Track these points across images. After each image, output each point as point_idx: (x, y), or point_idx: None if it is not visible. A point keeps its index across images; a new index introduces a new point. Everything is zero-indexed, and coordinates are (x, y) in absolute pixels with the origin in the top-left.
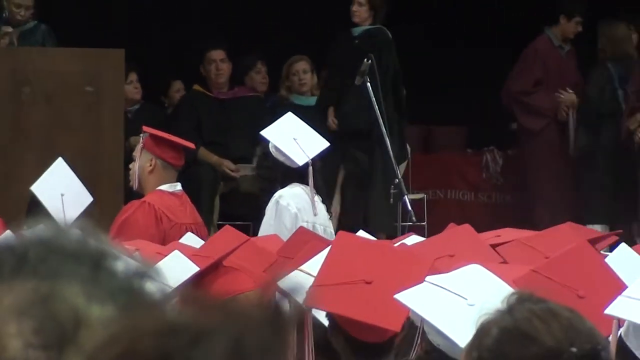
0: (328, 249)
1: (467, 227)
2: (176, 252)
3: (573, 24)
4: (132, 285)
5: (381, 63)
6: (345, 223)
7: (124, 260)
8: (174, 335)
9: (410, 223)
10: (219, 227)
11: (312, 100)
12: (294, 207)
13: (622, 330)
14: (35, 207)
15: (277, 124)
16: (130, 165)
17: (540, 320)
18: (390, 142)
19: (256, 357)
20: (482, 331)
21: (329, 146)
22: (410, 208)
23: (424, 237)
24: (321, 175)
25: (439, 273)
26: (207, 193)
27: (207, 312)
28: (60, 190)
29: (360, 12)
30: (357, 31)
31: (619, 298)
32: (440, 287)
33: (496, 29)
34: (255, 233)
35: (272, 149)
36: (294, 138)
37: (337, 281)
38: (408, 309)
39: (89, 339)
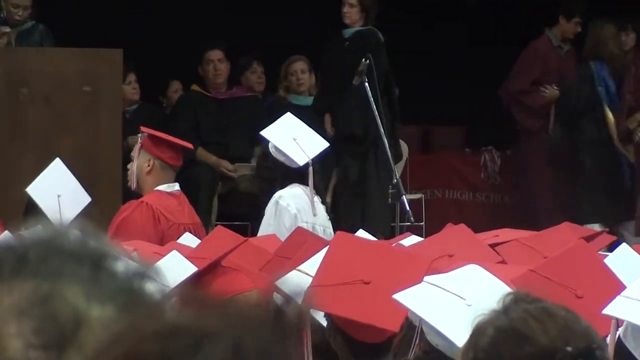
0: (326, 249)
1: (462, 227)
2: (174, 252)
3: (572, 25)
4: (133, 286)
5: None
6: (340, 229)
7: (124, 260)
8: (177, 338)
9: (409, 223)
10: None
11: (310, 100)
12: (294, 207)
13: (620, 331)
14: (32, 208)
15: (276, 124)
16: (129, 166)
17: (535, 320)
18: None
19: None
20: (478, 331)
21: (329, 146)
22: (408, 208)
23: (422, 237)
24: (319, 176)
25: (438, 273)
26: (206, 193)
27: (208, 314)
28: (57, 191)
29: (351, 14)
30: (348, 33)
31: (618, 298)
32: (439, 287)
33: (496, 28)
34: (253, 233)
35: (271, 149)
36: (294, 138)
37: (335, 281)
38: (406, 309)
39: (89, 339)
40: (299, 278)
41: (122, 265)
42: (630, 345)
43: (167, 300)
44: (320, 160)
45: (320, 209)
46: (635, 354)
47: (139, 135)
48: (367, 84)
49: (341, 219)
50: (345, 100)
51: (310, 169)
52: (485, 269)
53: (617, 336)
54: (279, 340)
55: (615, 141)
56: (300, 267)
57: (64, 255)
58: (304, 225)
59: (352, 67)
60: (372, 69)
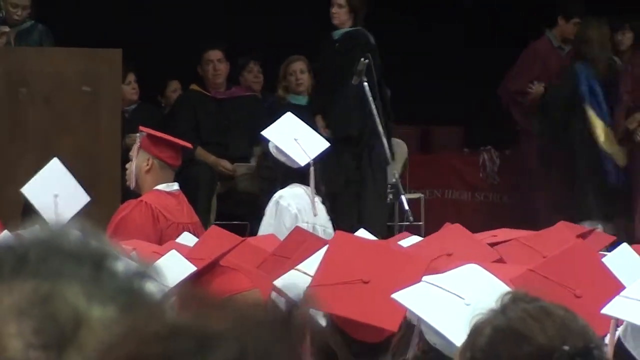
0: (325, 248)
1: (458, 227)
2: (173, 251)
3: (571, 25)
4: (133, 286)
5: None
6: (340, 229)
7: (124, 260)
8: (178, 339)
9: (408, 223)
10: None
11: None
12: (294, 207)
13: (620, 331)
14: (30, 209)
15: (277, 124)
16: (127, 165)
17: (533, 320)
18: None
19: None
20: (476, 331)
21: (329, 147)
22: (407, 208)
23: (421, 236)
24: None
25: (436, 272)
26: (205, 193)
27: (208, 314)
28: (54, 191)
29: (340, 14)
30: (337, 34)
31: (617, 298)
32: (438, 286)
33: (493, 29)
34: (252, 233)
35: (272, 149)
36: (295, 138)
37: (334, 281)
38: (405, 309)
39: (89, 339)
40: (298, 277)
41: (122, 265)
42: (629, 345)
43: (167, 300)
44: (321, 160)
45: (321, 209)
46: (635, 354)
47: (138, 134)
48: (366, 83)
49: (339, 220)
50: (337, 102)
51: (312, 169)
52: (484, 268)
53: (616, 336)
54: (281, 341)
55: (599, 142)
56: (299, 266)
57: (64, 255)
58: (304, 226)
59: (342, 69)
60: (371, 68)
